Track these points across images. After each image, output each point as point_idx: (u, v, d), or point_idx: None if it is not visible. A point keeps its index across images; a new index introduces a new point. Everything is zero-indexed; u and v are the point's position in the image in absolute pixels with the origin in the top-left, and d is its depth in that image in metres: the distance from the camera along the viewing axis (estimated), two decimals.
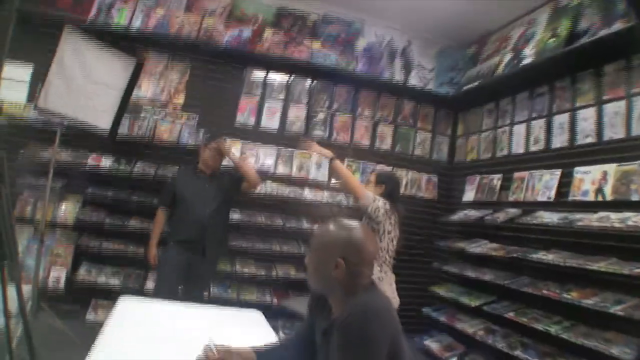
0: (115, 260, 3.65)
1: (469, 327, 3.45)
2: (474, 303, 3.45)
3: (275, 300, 3.82)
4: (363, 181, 3.60)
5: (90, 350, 1.46)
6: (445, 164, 4.66)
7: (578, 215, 2.83)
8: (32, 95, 3.46)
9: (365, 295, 1.25)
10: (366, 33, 4.49)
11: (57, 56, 3.03)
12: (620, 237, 2.55)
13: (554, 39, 3.29)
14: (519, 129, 3.71)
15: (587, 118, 3.07)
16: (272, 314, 3.47)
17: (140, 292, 3.42)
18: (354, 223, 1.34)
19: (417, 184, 4.51)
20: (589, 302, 2.54)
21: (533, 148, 3.53)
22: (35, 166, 3.47)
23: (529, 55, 3.53)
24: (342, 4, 4.36)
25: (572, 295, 2.67)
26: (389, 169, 4.32)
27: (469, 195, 4.14)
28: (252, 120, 4.14)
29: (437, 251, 4.34)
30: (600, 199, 2.78)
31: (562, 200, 3.07)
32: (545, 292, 2.82)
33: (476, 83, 4.04)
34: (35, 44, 3.50)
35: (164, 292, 2.82)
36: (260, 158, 4.06)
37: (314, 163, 4.18)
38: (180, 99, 3.99)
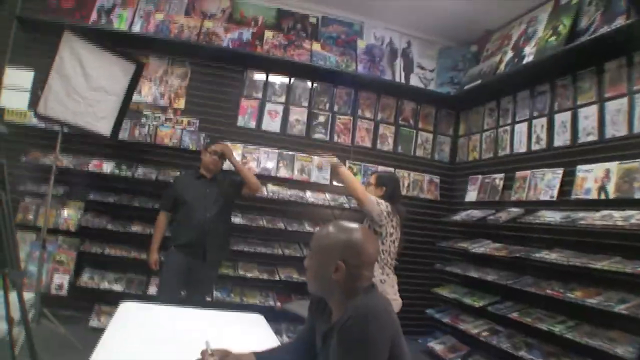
0: (118, 265, 3.65)
1: (473, 327, 3.44)
2: (478, 304, 3.43)
3: (278, 304, 3.81)
4: (364, 183, 3.59)
5: (92, 355, 1.45)
6: (447, 164, 4.65)
7: (581, 214, 2.82)
8: (34, 102, 3.47)
9: (365, 298, 1.23)
10: (366, 34, 4.50)
11: (57, 62, 3.05)
12: (624, 235, 2.54)
13: (554, 37, 3.28)
14: (521, 128, 3.70)
15: (588, 116, 3.06)
16: (275, 317, 3.47)
17: (143, 297, 3.42)
18: (353, 225, 1.33)
19: (419, 185, 4.49)
20: (592, 301, 2.52)
21: (535, 147, 3.52)
22: (36, 172, 3.48)
23: (530, 53, 3.53)
24: (341, 6, 4.36)
25: (575, 295, 2.65)
26: (390, 170, 4.31)
27: (471, 195, 4.13)
28: (253, 123, 4.15)
29: (440, 252, 4.33)
30: (602, 197, 2.76)
31: (564, 199, 3.06)
32: (548, 291, 2.81)
33: (477, 82, 4.03)
34: (36, 49, 3.54)
35: (166, 296, 2.82)
36: (262, 161, 4.06)
37: (315, 166, 4.18)
38: (180, 104, 3.99)
